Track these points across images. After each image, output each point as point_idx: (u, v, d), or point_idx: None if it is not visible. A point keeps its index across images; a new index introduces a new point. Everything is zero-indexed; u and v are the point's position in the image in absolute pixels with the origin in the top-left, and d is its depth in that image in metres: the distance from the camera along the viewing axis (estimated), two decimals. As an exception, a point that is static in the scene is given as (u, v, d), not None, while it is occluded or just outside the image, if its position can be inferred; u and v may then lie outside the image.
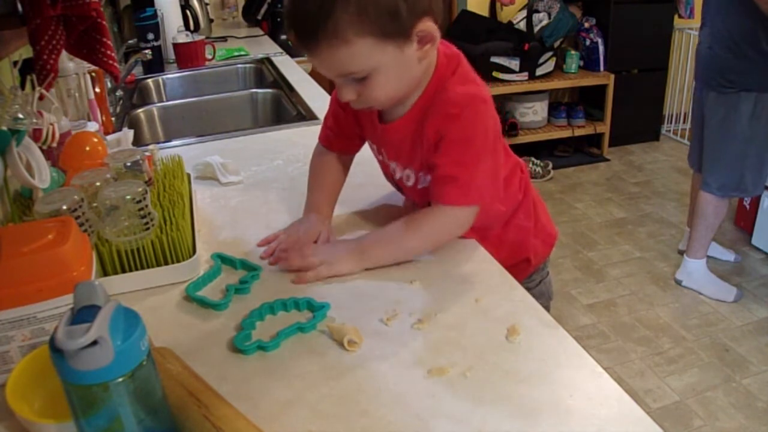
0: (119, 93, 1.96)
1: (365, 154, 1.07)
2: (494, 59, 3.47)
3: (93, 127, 1.31)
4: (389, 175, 1.03)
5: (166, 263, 0.90)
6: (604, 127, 3.75)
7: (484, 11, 3.68)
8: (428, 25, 0.79)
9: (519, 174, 1.04)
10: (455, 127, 0.84)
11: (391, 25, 0.76)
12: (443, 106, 0.85)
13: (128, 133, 1.37)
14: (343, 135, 1.03)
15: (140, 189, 0.88)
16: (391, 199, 1.11)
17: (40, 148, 1.01)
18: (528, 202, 1.06)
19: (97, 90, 1.53)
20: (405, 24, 0.76)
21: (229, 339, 0.76)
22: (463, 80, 0.87)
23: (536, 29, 3.46)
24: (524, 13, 3.48)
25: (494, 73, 3.50)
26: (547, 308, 1.15)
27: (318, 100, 1.78)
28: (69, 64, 1.36)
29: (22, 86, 1.23)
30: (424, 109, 0.88)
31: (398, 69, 0.81)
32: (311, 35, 0.76)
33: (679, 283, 2.49)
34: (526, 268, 1.10)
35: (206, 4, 2.83)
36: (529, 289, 1.09)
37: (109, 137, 1.36)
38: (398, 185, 1.04)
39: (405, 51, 0.79)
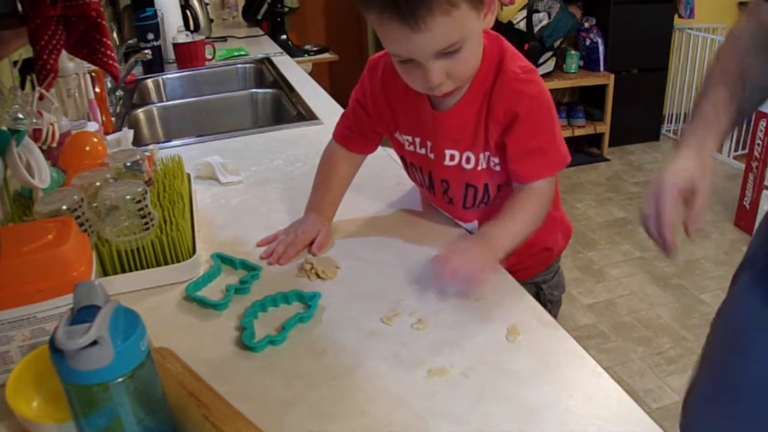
0: (119, 93, 1.96)
1: (369, 157, 1.07)
2: (494, 59, 3.47)
3: (93, 127, 1.31)
4: (436, 167, 0.99)
5: (166, 263, 0.90)
6: (604, 127, 3.75)
7: (484, 11, 3.68)
8: None
9: None
10: (527, 100, 0.86)
11: None
12: (509, 84, 0.87)
13: (128, 133, 1.37)
14: (362, 135, 1.03)
15: (140, 189, 0.88)
16: (402, 203, 1.11)
17: (40, 148, 1.01)
18: (556, 194, 1.07)
19: (97, 90, 1.53)
20: None
21: (231, 339, 0.76)
22: (516, 57, 0.89)
23: (536, 29, 3.46)
24: (524, 13, 3.48)
25: (494, 73, 3.49)
26: (559, 301, 1.16)
27: (318, 100, 1.78)
28: (69, 64, 1.36)
29: (22, 86, 1.23)
30: (484, 90, 0.88)
31: (478, 38, 0.83)
32: (423, 5, 0.74)
33: None
34: (548, 257, 1.11)
35: (206, 4, 2.83)
36: (547, 281, 1.11)
37: (109, 137, 1.36)
38: (435, 180, 1.01)
39: (479, 19, 0.80)
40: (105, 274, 0.87)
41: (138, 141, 1.61)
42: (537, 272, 1.09)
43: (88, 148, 1.07)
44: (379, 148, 1.10)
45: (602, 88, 3.66)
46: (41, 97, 1.07)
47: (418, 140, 0.98)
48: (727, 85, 0.87)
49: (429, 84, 0.81)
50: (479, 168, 0.94)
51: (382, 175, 1.12)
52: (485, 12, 0.81)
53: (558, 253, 1.14)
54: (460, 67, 0.81)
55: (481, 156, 0.93)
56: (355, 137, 1.03)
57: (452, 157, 0.95)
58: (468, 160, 0.94)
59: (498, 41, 0.90)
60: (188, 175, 1.16)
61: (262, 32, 2.98)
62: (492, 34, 0.90)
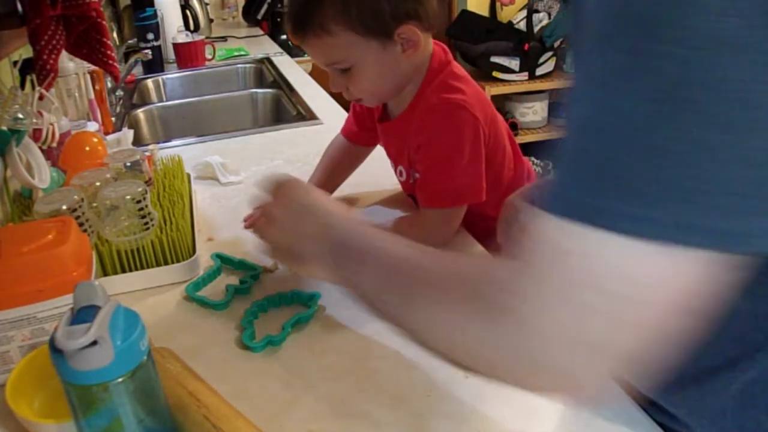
0: (119, 93, 1.96)
1: (371, 156, 1.09)
2: (494, 59, 3.47)
3: (93, 127, 1.32)
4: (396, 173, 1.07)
5: (166, 263, 0.90)
6: (604, 127, 3.75)
7: (484, 11, 3.68)
8: (411, 30, 0.83)
9: (525, 181, 1.06)
10: (428, 133, 0.89)
11: (373, 24, 0.81)
12: (421, 113, 0.90)
13: (128, 133, 1.37)
14: (361, 126, 1.08)
15: (140, 189, 0.88)
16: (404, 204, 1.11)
17: (40, 148, 1.01)
18: None
19: (97, 89, 1.53)
20: (387, 25, 0.82)
21: (231, 339, 0.76)
22: (443, 88, 0.89)
23: (536, 29, 3.46)
24: (524, 13, 3.48)
25: (494, 73, 3.49)
26: None
27: (318, 100, 1.78)
28: (69, 64, 1.36)
29: (22, 86, 1.23)
30: (417, 111, 0.91)
31: (380, 66, 0.86)
32: (301, 25, 0.83)
33: None
34: None
35: (206, 4, 2.83)
36: None
37: (109, 137, 1.36)
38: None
39: (388, 50, 0.84)
40: (105, 274, 0.87)
41: (138, 141, 1.61)
42: None
43: (88, 148, 1.07)
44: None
45: (602, 88, 3.66)
46: (41, 97, 1.07)
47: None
48: None
49: (331, 87, 0.90)
50: (410, 181, 0.98)
51: (381, 174, 1.12)
52: (403, 48, 0.84)
53: None
54: (354, 86, 0.88)
55: (412, 172, 0.97)
56: (356, 129, 1.09)
57: (391, 167, 1.03)
58: (401, 174, 1.00)
59: (444, 68, 0.90)
60: (188, 175, 1.16)
61: (262, 32, 2.98)
62: (445, 60, 0.91)
